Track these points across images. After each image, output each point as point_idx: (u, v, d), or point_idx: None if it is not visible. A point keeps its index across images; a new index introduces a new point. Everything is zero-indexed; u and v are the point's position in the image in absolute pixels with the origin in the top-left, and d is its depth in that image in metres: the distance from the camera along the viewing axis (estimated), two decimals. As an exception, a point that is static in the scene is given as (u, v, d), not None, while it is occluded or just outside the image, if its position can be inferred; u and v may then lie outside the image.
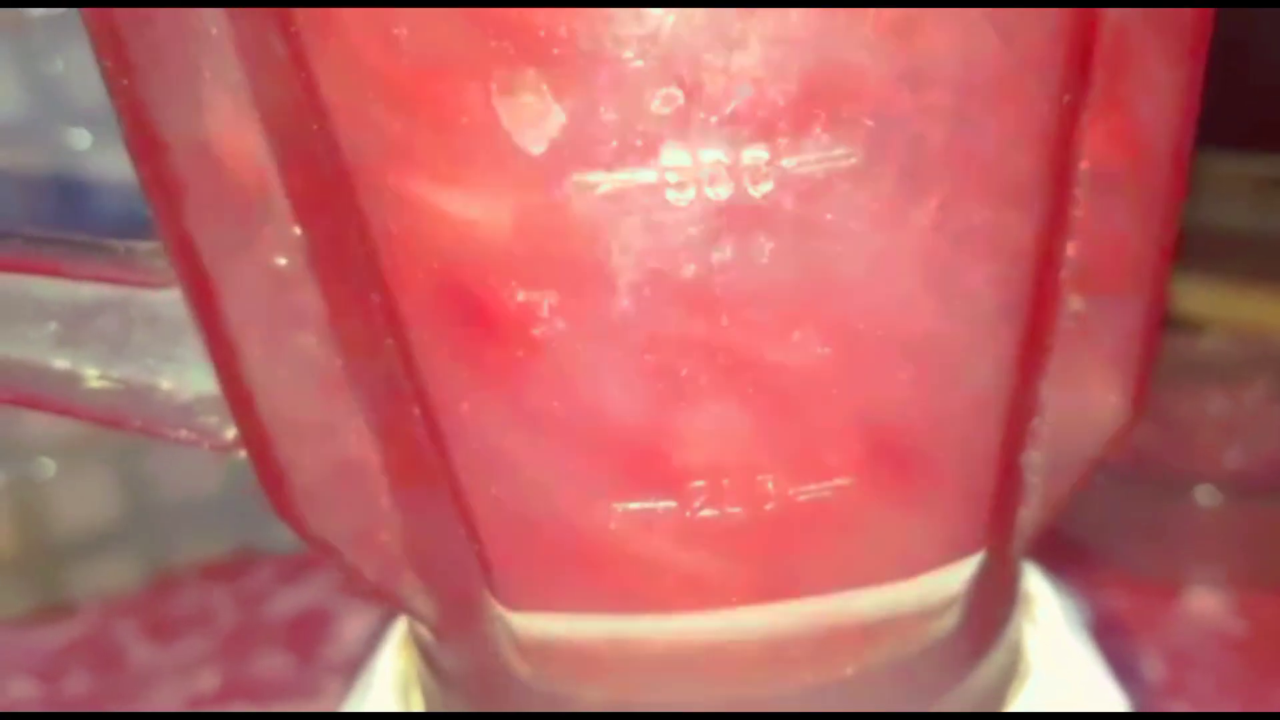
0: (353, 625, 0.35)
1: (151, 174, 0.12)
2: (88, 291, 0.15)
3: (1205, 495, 0.34)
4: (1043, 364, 0.13)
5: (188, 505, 0.38)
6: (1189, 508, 0.34)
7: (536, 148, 0.10)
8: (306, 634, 0.35)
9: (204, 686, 0.32)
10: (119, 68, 0.12)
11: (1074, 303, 0.13)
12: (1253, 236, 0.46)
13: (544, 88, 0.10)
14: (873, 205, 0.10)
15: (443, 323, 0.11)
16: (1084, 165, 0.12)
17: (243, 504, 0.38)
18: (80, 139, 0.34)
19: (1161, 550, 0.34)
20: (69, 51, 0.33)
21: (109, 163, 0.34)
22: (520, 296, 0.11)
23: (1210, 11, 0.13)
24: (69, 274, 0.14)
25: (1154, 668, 0.30)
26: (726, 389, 0.11)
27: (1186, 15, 0.12)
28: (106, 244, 0.15)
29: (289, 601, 0.37)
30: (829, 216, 0.10)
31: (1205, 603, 0.33)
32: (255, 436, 0.14)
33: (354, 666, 0.33)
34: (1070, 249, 0.13)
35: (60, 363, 0.15)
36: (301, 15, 0.10)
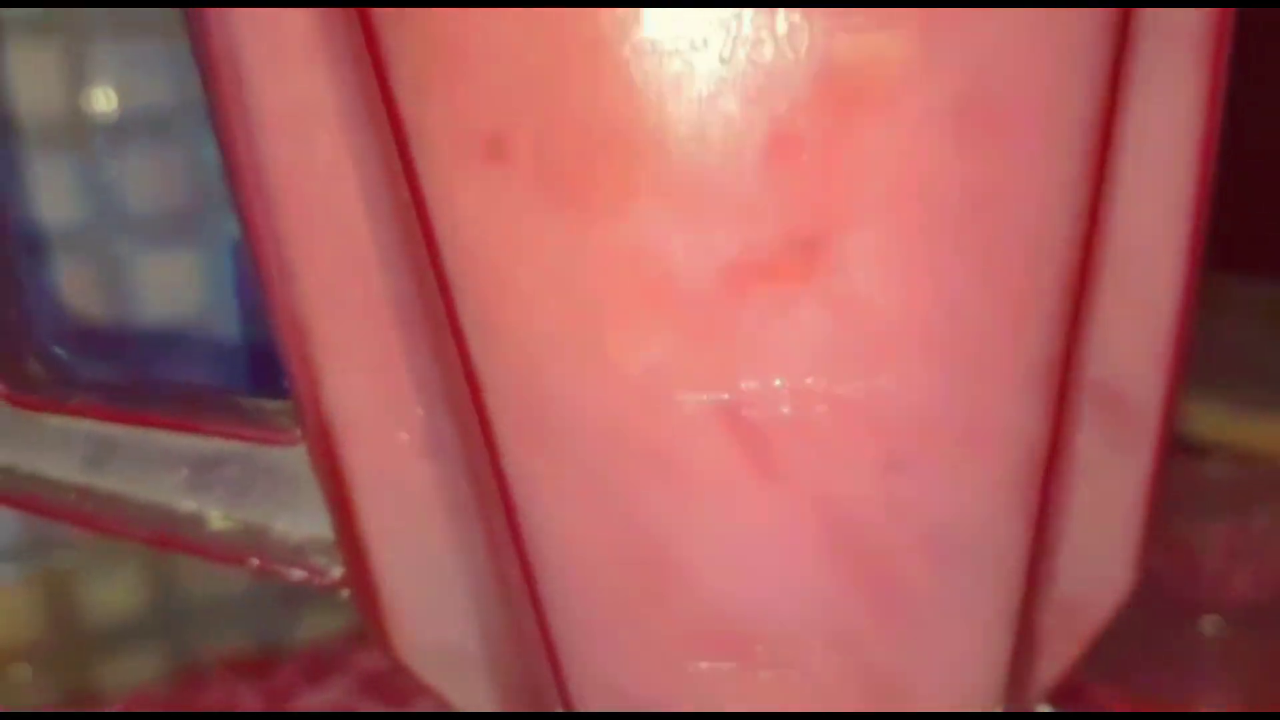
0: (376, 728, 0.36)
1: (299, 363, 0.15)
2: (217, 443, 0.17)
3: (1211, 625, 0.35)
4: (1055, 542, 0.15)
5: (214, 601, 0.40)
6: (1195, 636, 0.35)
7: (635, 370, 0.13)
8: (331, 734, 0.36)
9: (232, 784, 0.34)
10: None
11: (1083, 493, 0.15)
12: (1264, 361, 0.47)
13: (648, 326, 0.12)
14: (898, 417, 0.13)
15: (549, 496, 0.14)
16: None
17: (268, 601, 0.40)
18: (130, 247, 0.37)
19: (1167, 677, 0.35)
20: (124, 159, 0.36)
21: (155, 268, 0.37)
22: (615, 486, 0.13)
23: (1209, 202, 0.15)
24: (204, 430, 0.17)
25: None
26: (786, 570, 0.13)
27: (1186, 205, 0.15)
28: (235, 399, 0.17)
29: (313, 700, 0.38)
30: (867, 428, 0.13)
31: (1211, 730, 0.34)
32: (362, 578, 0.16)
33: (376, 768, 0.34)
34: (1079, 441, 0.15)
35: (188, 505, 0.17)
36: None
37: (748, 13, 0.11)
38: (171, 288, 0.38)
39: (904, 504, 0.14)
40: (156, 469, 0.17)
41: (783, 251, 0.12)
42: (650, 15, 0.11)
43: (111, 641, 0.38)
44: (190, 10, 0.14)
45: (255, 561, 0.17)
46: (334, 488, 0.16)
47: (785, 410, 0.13)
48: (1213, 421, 0.42)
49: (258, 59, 0.14)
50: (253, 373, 0.41)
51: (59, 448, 0.17)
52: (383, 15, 0.12)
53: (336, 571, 0.17)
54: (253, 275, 0.15)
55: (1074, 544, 0.15)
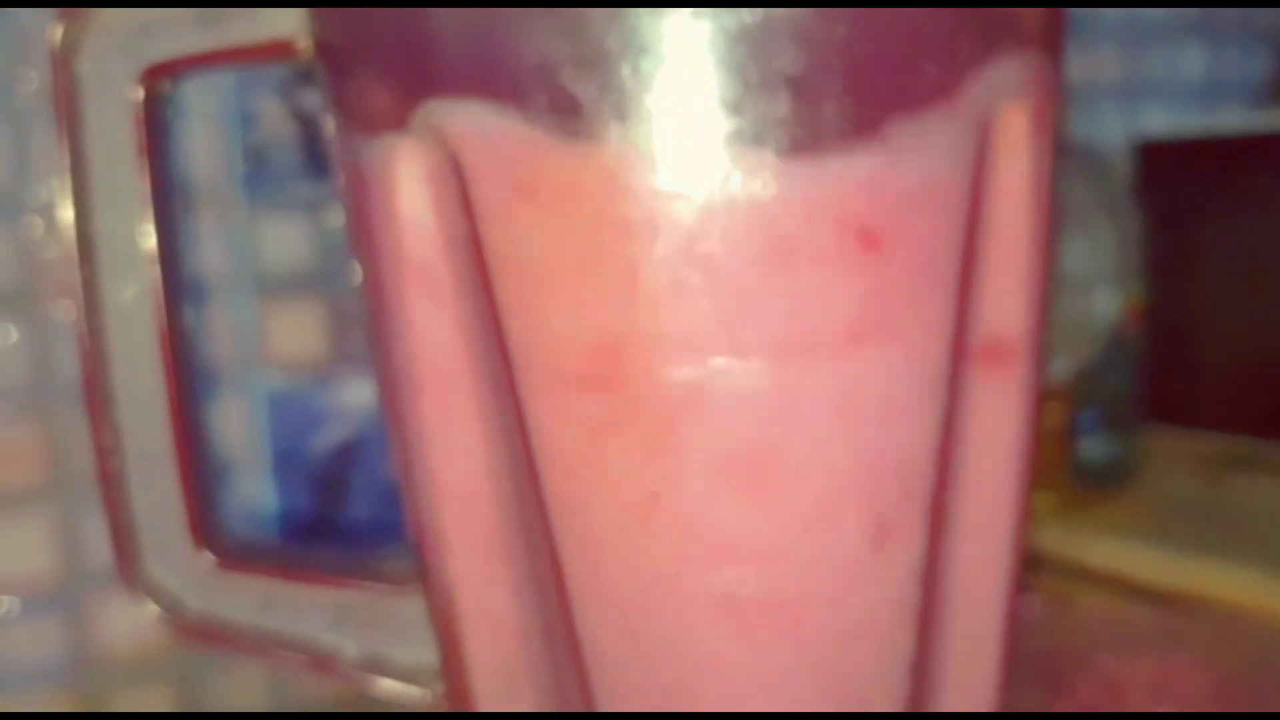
0: None
1: (431, 538, 0.23)
2: (351, 594, 0.25)
3: (1140, 753, 0.41)
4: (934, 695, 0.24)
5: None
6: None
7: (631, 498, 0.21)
8: None
9: None
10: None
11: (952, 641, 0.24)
12: (1198, 511, 0.54)
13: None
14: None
15: (606, 645, 0.22)
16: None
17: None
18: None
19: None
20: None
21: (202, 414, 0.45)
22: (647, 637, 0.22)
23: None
24: (343, 585, 0.25)
25: None
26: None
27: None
28: (364, 560, 0.26)
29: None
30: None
31: None
32: (459, 694, 0.24)
33: None
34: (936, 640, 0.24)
35: (330, 640, 0.25)
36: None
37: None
38: (213, 432, 0.46)
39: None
40: (305, 612, 0.25)
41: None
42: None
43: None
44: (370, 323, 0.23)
45: (380, 684, 0.25)
46: (446, 625, 0.24)
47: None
48: (1147, 565, 0.49)
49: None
50: (282, 510, 0.49)
51: (238, 597, 0.25)
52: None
53: (438, 689, 0.25)
54: (398, 479, 0.24)
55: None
